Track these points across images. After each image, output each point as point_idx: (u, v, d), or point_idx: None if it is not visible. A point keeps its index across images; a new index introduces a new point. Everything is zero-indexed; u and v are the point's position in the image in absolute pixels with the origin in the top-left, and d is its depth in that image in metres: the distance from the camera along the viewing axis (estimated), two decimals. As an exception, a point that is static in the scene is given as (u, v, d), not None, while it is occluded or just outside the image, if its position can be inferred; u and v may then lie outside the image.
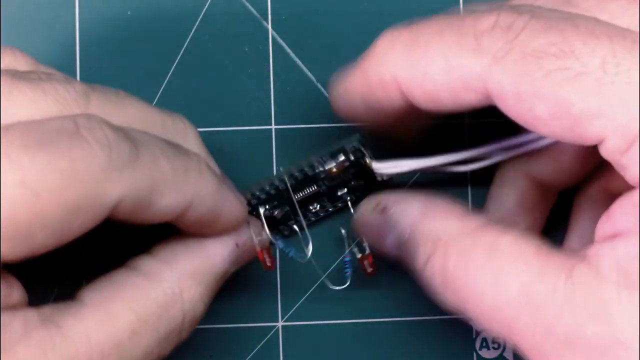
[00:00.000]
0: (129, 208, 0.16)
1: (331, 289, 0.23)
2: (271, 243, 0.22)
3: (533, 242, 0.17)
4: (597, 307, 0.15)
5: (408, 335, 0.25)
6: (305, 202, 0.23)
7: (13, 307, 0.16)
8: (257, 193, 0.23)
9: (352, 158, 0.22)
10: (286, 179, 0.22)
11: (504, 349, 0.25)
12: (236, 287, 0.24)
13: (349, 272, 0.23)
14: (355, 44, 0.24)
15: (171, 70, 0.24)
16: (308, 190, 0.23)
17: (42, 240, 0.15)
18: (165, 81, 0.24)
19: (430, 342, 0.25)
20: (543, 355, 0.16)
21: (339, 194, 0.23)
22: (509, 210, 0.22)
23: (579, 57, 0.15)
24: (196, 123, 0.22)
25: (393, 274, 0.24)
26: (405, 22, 0.19)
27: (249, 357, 0.24)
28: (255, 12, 0.24)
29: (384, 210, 0.21)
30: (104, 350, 0.16)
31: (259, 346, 0.25)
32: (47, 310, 0.17)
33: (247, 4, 0.24)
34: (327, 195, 0.23)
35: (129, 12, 0.24)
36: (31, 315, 0.16)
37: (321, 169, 0.22)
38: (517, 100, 0.16)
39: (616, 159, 0.16)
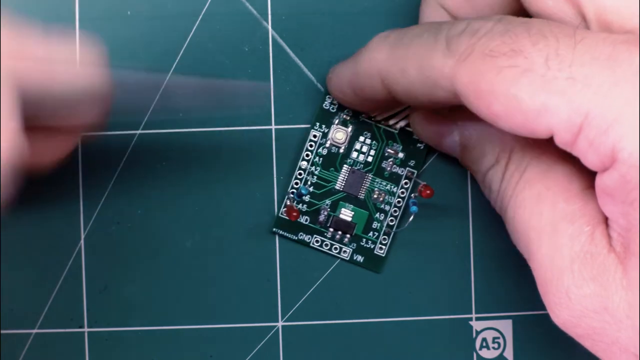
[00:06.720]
0: None
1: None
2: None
3: (578, 183, 0.18)
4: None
5: (408, 335, 0.25)
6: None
7: None
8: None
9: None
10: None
11: (504, 348, 0.25)
12: (236, 287, 0.24)
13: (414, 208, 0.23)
14: (355, 44, 0.24)
15: (171, 70, 0.24)
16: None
17: None
18: (166, 81, 0.24)
19: (430, 342, 0.25)
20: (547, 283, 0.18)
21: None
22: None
23: (527, 55, 0.16)
24: (196, 123, 0.22)
25: (393, 273, 0.25)
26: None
27: (249, 357, 0.25)
28: (255, 12, 0.24)
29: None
30: None
31: (259, 346, 0.25)
32: None
33: (247, 4, 0.24)
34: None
35: (129, 12, 0.24)
36: None
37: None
38: (477, 98, 0.17)
39: (569, 150, 0.17)
